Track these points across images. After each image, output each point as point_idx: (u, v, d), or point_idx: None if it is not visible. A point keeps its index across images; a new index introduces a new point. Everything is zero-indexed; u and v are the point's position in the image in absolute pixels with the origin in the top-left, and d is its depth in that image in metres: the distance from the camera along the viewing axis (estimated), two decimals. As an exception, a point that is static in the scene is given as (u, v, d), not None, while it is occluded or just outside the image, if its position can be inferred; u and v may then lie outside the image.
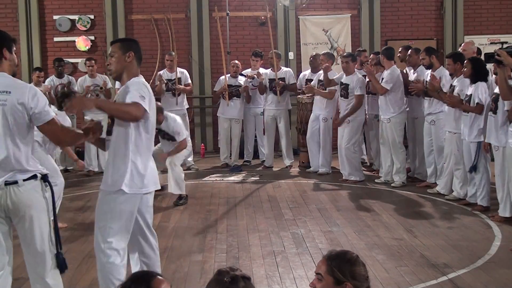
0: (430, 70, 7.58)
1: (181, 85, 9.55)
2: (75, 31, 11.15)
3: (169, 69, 9.64)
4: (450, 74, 7.19)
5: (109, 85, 9.59)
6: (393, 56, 8.12)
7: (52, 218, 3.61)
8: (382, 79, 8.00)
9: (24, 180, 3.44)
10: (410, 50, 8.18)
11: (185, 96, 9.80)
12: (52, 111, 3.57)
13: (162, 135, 7.41)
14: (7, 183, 3.39)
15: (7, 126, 3.38)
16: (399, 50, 8.50)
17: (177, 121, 7.39)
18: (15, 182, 3.41)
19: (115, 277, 3.69)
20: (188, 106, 9.93)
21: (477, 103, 6.43)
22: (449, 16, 11.27)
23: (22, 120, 3.42)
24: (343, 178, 8.43)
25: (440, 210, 6.73)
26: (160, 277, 2.25)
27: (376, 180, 8.32)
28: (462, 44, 7.91)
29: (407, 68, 8.36)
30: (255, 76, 9.40)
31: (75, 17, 11.12)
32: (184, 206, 7.15)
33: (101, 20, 11.16)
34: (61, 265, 3.65)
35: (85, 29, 11.14)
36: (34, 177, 3.49)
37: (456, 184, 7.06)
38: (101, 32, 11.14)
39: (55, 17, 11.11)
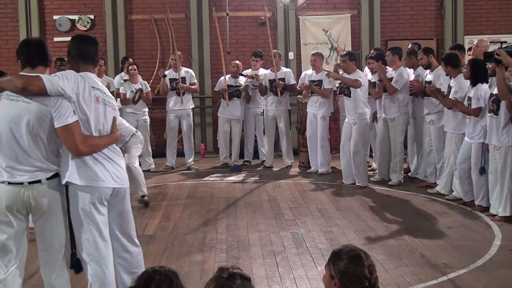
0: (429, 70, 7.60)
1: (185, 84, 9.54)
2: (75, 31, 11.13)
3: (173, 69, 9.64)
4: (446, 75, 7.20)
5: (112, 87, 9.56)
6: (401, 57, 8.15)
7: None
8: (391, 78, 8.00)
9: (47, 179, 3.50)
10: (405, 53, 8.19)
11: (191, 96, 9.79)
12: (73, 116, 3.47)
13: None
14: (30, 182, 3.45)
15: (31, 126, 3.44)
16: (409, 47, 8.46)
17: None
18: (39, 181, 3.47)
19: None
20: (193, 106, 9.91)
21: (475, 106, 6.42)
22: (449, 16, 11.27)
23: (46, 120, 3.46)
24: (342, 181, 8.29)
25: (440, 210, 6.72)
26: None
27: (371, 179, 8.32)
28: (475, 42, 7.82)
29: (407, 69, 8.35)
30: (254, 76, 9.40)
31: (75, 17, 11.11)
32: (184, 206, 7.14)
33: (101, 20, 11.16)
34: (77, 265, 3.65)
35: (85, 29, 11.14)
36: (56, 175, 3.55)
37: (456, 184, 7.06)
38: (101, 32, 11.13)
39: (55, 17, 11.11)
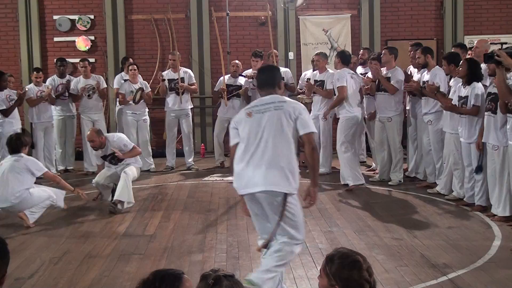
0: (426, 69, 7.60)
1: (184, 84, 9.55)
2: (75, 31, 11.14)
3: (172, 69, 9.64)
4: (447, 74, 7.18)
5: (103, 85, 9.58)
6: (397, 57, 8.17)
7: None
8: (388, 77, 8.01)
9: None
10: (411, 52, 8.19)
11: (189, 95, 9.80)
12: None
13: (109, 160, 7.17)
14: None
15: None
16: (409, 49, 8.46)
17: (118, 136, 7.30)
18: None
19: None
20: (192, 106, 9.93)
21: (473, 105, 6.41)
22: (449, 16, 11.26)
23: None
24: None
25: (440, 210, 6.72)
26: (185, 275, 2.24)
27: (370, 179, 8.33)
28: (476, 42, 7.81)
29: (411, 69, 8.35)
30: (254, 75, 9.40)
31: (75, 17, 11.11)
32: (184, 206, 7.14)
33: (101, 20, 11.15)
34: None
35: (85, 29, 11.14)
36: None
37: (456, 184, 7.05)
38: (101, 32, 11.14)
39: (55, 17, 11.10)
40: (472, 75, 6.44)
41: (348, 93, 7.92)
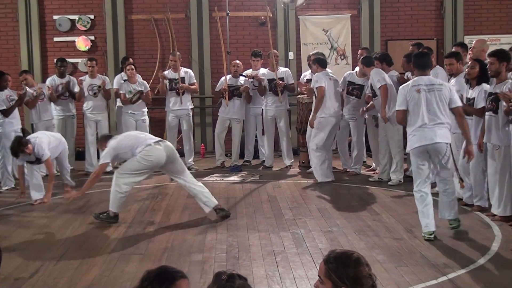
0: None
1: (185, 84, 9.56)
2: (75, 31, 11.14)
3: (173, 69, 9.65)
4: (451, 74, 7.14)
5: (108, 85, 9.58)
6: (371, 63, 8.19)
7: None
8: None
9: None
10: (403, 59, 8.18)
11: (190, 95, 9.81)
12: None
13: None
14: None
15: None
16: (410, 48, 8.43)
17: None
18: None
19: None
20: (192, 106, 9.94)
21: (481, 106, 6.37)
22: (449, 16, 11.27)
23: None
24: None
25: (440, 210, 6.71)
26: (184, 278, 2.34)
27: (370, 179, 8.35)
28: (474, 42, 7.75)
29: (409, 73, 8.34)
30: (254, 76, 9.40)
31: (75, 17, 11.11)
32: (184, 206, 7.14)
33: (101, 20, 11.16)
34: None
35: (85, 29, 11.14)
36: None
37: (456, 184, 7.03)
38: (101, 32, 11.14)
39: (55, 17, 11.10)
40: (483, 76, 6.39)
41: (326, 95, 8.22)
